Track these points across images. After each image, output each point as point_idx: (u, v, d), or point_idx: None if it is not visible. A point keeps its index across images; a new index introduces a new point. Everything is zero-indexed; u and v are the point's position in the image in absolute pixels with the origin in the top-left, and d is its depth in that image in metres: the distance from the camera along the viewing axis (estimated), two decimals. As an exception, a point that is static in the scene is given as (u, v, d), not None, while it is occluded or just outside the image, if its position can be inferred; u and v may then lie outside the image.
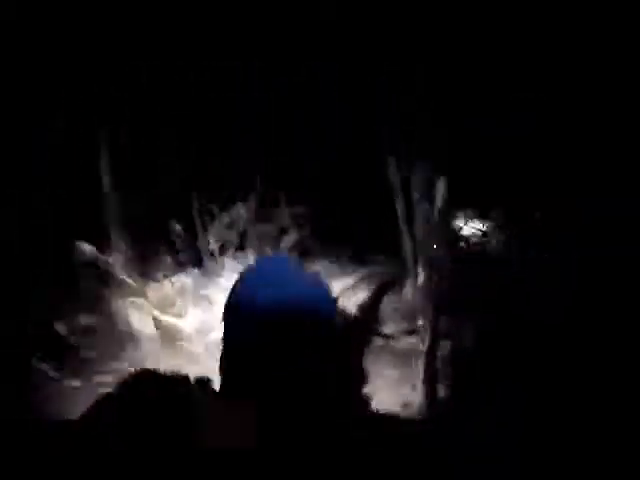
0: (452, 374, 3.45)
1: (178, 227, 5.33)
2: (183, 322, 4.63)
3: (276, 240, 5.75)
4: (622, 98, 3.82)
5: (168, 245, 5.37)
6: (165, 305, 4.92)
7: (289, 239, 5.74)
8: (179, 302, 4.97)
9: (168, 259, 5.41)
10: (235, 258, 5.56)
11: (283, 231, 5.80)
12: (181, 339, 4.50)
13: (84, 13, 3.95)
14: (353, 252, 5.76)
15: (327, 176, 5.60)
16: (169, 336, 4.54)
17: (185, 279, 5.26)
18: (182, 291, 5.15)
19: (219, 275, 5.25)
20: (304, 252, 6.00)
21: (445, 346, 3.84)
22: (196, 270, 5.29)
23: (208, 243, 5.10)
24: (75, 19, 3.93)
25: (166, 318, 4.58)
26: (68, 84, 4.03)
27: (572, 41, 3.90)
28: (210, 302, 4.86)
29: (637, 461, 2.09)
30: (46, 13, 3.81)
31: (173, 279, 5.33)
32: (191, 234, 5.32)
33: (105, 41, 4.10)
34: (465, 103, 4.54)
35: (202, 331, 4.46)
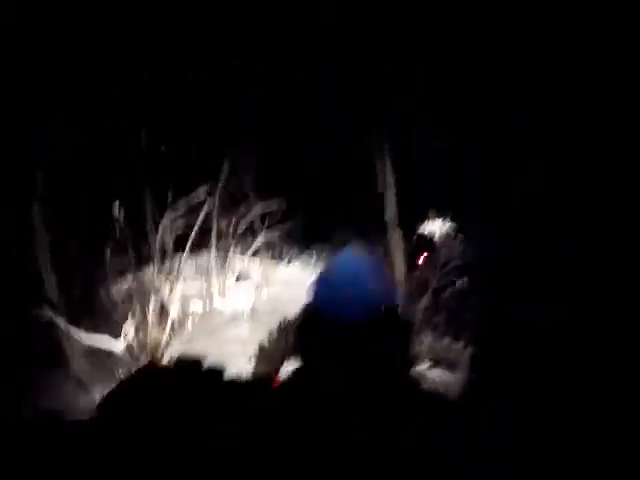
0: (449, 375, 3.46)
1: (120, 217, 4.00)
2: (117, 343, 3.73)
3: (241, 239, 5.18)
4: (622, 99, 3.82)
5: (111, 240, 4.14)
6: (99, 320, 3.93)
7: (256, 239, 5.17)
8: (116, 316, 3.96)
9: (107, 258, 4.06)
10: (192, 256, 4.61)
11: (250, 231, 5.33)
12: (115, 363, 3.69)
13: (84, 13, 3.94)
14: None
15: (326, 176, 5.60)
16: (101, 360, 3.70)
17: (128, 284, 4.18)
18: (125, 299, 4.11)
19: (175, 275, 4.27)
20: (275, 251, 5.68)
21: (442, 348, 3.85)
22: (144, 271, 4.27)
23: (158, 237, 4.17)
24: (75, 19, 3.93)
25: (95, 339, 3.68)
26: (68, 84, 4.03)
27: (572, 42, 3.90)
28: (165, 308, 4.03)
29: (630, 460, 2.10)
30: (46, 13, 3.81)
31: (114, 285, 4.15)
32: (139, 227, 4.31)
33: (105, 41, 4.10)
34: (465, 103, 4.54)
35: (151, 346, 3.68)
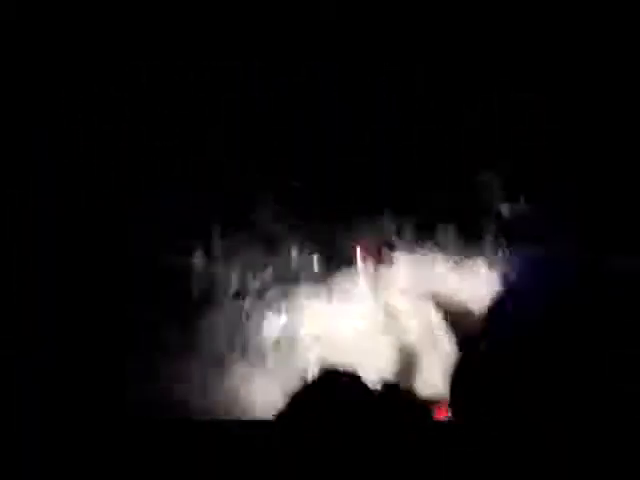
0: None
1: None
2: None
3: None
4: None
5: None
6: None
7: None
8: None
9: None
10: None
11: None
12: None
13: (84, 13, 3.95)
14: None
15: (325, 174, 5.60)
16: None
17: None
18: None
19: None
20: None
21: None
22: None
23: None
24: (75, 19, 3.93)
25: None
26: (68, 84, 4.03)
27: (573, 42, 3.91)
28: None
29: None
30: (46, 13, 3.81)
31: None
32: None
33: (105, 41, 4.10)
34: (465, 103, 4.54)
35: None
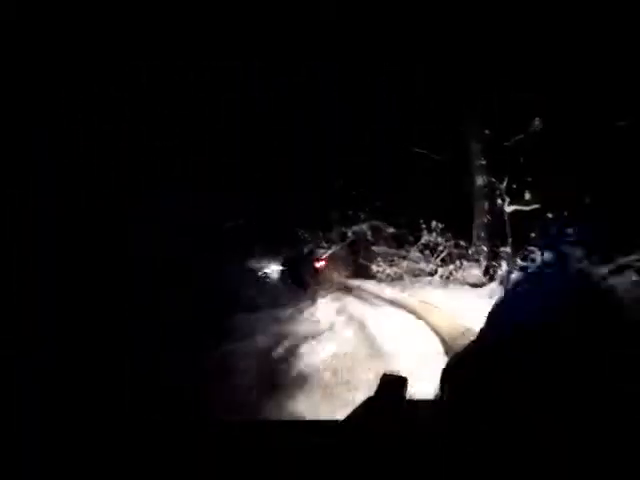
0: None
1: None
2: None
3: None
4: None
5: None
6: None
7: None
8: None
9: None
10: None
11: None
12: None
13: (84, 13, 3.94)
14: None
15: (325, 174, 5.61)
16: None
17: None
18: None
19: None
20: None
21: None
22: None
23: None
24: (75, 19, 3.92)
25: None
26: (68, 84, 4.03)
27: (571, 42, 3.89)
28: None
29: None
30: (46, 13, 3.81)
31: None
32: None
33: (105, 41, 4.10)
34: (464, 103, 4.54)
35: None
